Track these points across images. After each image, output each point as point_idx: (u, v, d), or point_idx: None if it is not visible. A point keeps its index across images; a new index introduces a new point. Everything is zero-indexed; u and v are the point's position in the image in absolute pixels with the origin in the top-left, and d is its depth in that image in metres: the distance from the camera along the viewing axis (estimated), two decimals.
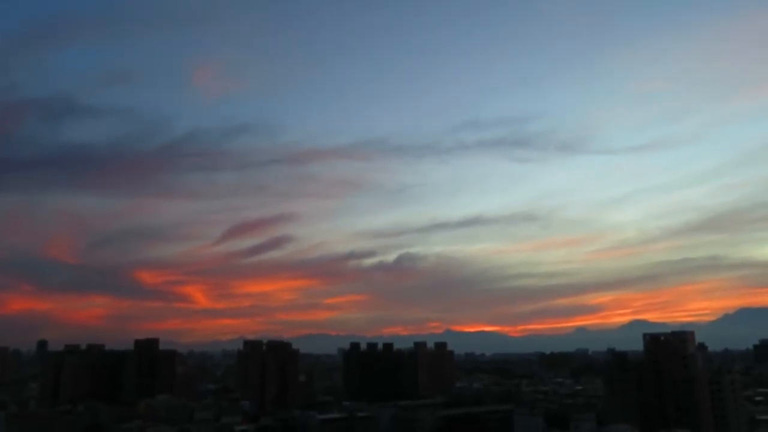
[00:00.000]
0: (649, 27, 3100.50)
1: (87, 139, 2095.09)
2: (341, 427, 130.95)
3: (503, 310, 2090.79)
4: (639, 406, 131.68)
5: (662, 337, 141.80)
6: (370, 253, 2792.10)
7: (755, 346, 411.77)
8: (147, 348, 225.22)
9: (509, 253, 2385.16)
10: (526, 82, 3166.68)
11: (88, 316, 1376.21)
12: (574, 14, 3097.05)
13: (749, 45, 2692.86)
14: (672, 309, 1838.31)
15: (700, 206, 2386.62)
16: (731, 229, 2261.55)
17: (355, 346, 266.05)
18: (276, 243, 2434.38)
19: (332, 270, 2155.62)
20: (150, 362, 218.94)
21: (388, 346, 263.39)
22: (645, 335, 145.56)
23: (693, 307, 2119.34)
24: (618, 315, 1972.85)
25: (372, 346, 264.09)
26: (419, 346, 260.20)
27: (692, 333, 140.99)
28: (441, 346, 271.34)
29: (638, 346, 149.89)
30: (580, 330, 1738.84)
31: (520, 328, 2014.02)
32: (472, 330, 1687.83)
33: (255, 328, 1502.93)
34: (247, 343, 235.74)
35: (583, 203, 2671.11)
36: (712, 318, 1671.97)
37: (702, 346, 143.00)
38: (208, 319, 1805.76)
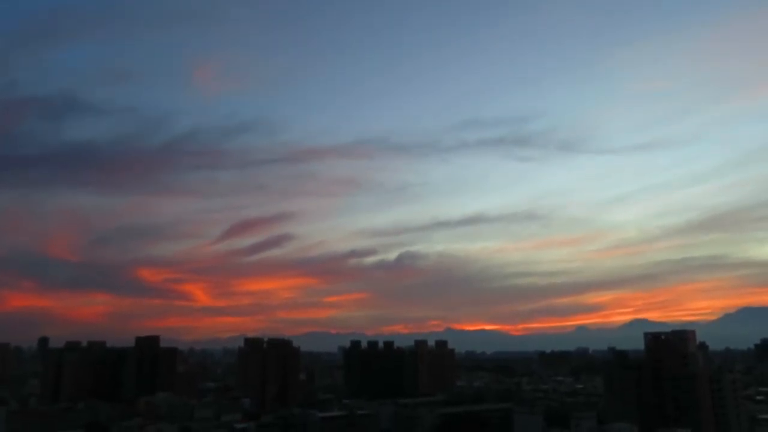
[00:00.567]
0: (650, 26, 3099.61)
1: (88, 137, 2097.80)
2: (342, 425, 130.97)
3: (504, 309, 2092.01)
4: (639, 404, 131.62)
5: (663, 336, 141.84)
6: (371, 252, 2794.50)
7: (756, 346, 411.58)
8: (148, 346, 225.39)
9: (510, 252, 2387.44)
10: (527, 81, 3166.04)
11: (89, 313, 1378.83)
12: (576, 13, 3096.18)
13: (750, 45, 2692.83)
14: (672, 308, 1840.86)
15: (701, 205, 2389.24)
16: (732, 228, 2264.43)
17: (355, 344, 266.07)
18: (276, 241, 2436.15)
19: (333, 268, 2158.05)
20: (151, 360, 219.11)
21: (388, 345, 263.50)
22: (646, 334, 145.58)
23: (694, 307, 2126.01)
24: (618, 314, 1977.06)
25: (373, 344, 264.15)
26: (420, 344, 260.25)
27: (693, 332, 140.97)
28: (441, 344, 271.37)
29: (639, 345, 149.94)
30: (581, 329, 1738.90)
31: (520, 326, 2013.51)
32: (472, 328, 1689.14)
33: (255, 326, 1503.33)
34: (248, 341, 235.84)
35: (584, 202, 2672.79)
36: (713, 317, 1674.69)
37: (703, 346, 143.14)
38: (208, 317, 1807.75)
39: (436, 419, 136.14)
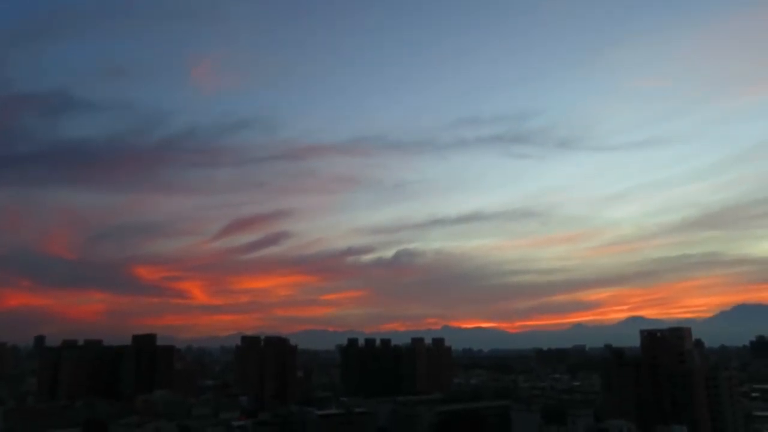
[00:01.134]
0: (649, 24, 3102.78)
1: (84, 135, 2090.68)
2: (339, 422, 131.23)
3: (501, 306, 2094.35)
4: (636, 401, 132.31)
5: (659, 334, 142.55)
6: (369, 249, 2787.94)
7: (752, 343, 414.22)
8: (145, 343, 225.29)
9: (507, 250, 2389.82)
10: (525, 79, 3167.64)
11: (86, 311, 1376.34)
12: (574, 11, 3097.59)
13: (748, 43, 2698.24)
14: (669, 305, 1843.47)
15: (698, 203, 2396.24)
16: (728, 225, 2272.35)
17: (353, 342, 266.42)
18: (274, 239, 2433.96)
19: (330, 266, 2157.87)
20: (148, 358, 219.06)
21: (386, 342, 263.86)
22: (642, 331, 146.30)
23: (690, 304, 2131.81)
24: (615, 311, 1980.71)
25: (370, 342, 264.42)
26: (417, 342, 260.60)
27: (689, 329, 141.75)
28: (439, 342, 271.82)
29: (635, 342, 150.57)
30: (578, 326, 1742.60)
31: (517, 324, 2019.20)
32: (469, 326, 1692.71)
33: (253, 323, 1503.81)
34: (245, 339, 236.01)
35: (582, 200, 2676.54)
36: (709, 314, 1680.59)
37: (699, 343, 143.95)
38: (206, 314, 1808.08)
39: (434, 417, 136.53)
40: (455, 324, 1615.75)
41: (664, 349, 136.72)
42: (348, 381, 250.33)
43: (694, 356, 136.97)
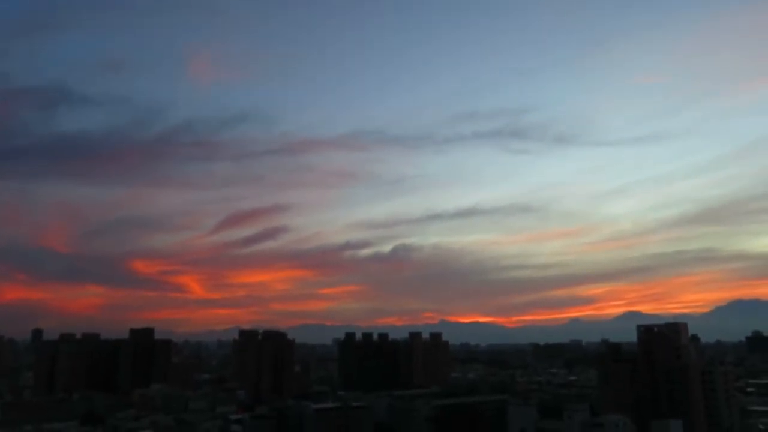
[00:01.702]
0: (649, 19, 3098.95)
1: (82, 128, 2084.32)
2: (336, 416, 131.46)
3: (498, 301, 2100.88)
4: (632, 396, 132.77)
5: (655, 329, 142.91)
6: (366, 244, 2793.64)
7: (747, 338, 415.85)
8: (142, 337, 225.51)
9: (505, 245, 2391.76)
10: (523, 74, 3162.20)
11: (83, 305, 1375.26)
12: (574, 6, 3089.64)
13: (748, 38, 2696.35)
14: (665, 301, 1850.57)
15: (696, 198, 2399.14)
16: (726, 221, 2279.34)
17: (350, 336, 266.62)
18: (272, 233, 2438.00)
19: (328, 260, 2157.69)
20: (145, 352, 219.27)
21: (383, 337, 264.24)
22: (638, 326, 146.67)
23: (686, 299, 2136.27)
24: (612, 306, 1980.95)
25: (367, 336, 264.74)
26: (414, 336, 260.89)
27: (685, 325, 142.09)
28: (436, 336, 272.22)
29: (632, 337, 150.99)
30: (574, 321, 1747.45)
31: (514, 318, 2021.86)
32: (467, 321, 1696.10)
33: (250, 318, 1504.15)
34: (243, 333, 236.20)
35: (580, 195, 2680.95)
36: (705, 310, 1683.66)
37: (695, 338, 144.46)
38: (203, 308, 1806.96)
39: (431, 411, 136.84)
40: (452, 318, 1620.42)
41: (661, 345, 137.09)
42: (345, 375, 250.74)
43: (690, 351, 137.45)
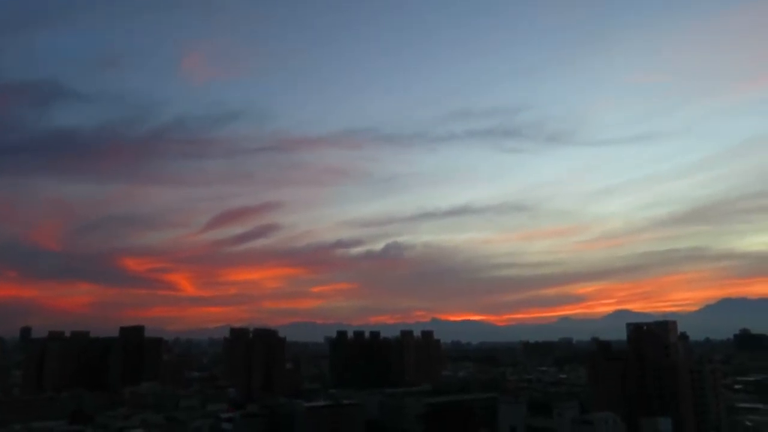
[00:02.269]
0: (642, 20, 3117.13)
1: (74, 124, 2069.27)
2: (328, 414, 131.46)
3: (489, 300, 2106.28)
4: (622, 394, 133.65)
5: (645, 327, 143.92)
6: (358, 242, 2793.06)
7: (735, 336, 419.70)
8: (132, 335, 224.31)
9: (497, 243, 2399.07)
10: (517, 73, 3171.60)
11: (73, 303, 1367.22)
12: (568, 4, 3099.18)
13: (741, 40, 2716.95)
14: (655, 299, 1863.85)
15: (686, 198, 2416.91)
16: (715, 220, 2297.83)
17: (341, 334, 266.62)
18: (263, 231, 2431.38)
19: (319, 258, 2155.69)
20: (135, 350, 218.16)
21: (374, 335, 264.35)
22: (628, 325, 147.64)
23: (676, 298, 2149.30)
24: (602, 305, 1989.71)
25: (359, 334, 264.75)
26: (406, 334, 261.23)
27: (674, 323, 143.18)
28: (427, 334, 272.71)
29: (622, 335, 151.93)
30: (565, 319, 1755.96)
31: (505, 317, 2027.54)
32: (458, 319, 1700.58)
33: (241, 316, 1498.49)
34: (234, 331, 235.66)
35: (572, 194, 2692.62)
36: (695, 308, 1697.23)
37: (684, 336, 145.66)
38: (194, 306, 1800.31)
39: (422, 408, 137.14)
40: (444, 317, 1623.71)
41: (650, 343, 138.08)
42: (337, 373, 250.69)
43: (679, 349, 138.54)
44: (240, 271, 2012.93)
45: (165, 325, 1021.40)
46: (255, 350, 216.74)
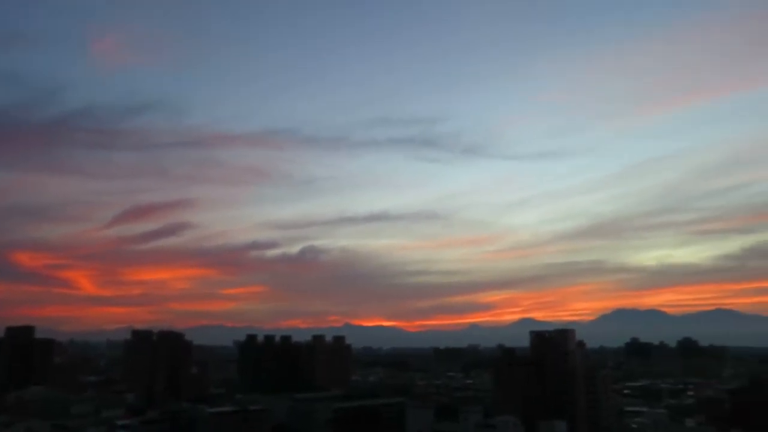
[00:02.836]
0: (556, 41, 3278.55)
1: None
2: (233, 420, 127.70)
3: (402, 306, 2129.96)
4: (524, 398, 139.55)
5: (546, 335, 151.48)
6: (274, 244, 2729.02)
7: (626, 344, 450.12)
8: (21, 336, 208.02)
9: (412, 250, 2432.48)
10: (437, 84, 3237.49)
11: None
12: (488, 23, 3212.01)
13: (642, 68, 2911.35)
14: (557, 308, 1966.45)
15: (588, 213, 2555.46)
16: (613, 235, 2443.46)
17: (251, 337, 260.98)
18: (174, 229, 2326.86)
19: (232, 260, 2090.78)
20: (23, 351, 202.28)
21: (286, 339, 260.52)
22: (531, 332, 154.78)
23: (576, 307, 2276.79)
24: (509, 313, 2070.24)
25: (269, 338, 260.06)
26: (317, 339, 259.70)
27: (573, 331, 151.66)
28: (339, 339, 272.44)
29: (526, 342, 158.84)
30: (473, 326, 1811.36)
31: (417, 323, 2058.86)
32: (371, 324, 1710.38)
33: (146, 317, 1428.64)
34: (136, 333, 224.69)
35: (484, 205, 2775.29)
36: (592, 317, 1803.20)
37: (581, 344, 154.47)
38: (93, 306, 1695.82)
39: (331, 414, 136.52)
40: (357, 322, 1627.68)
41: (551, 350, 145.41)
42: (245, 378, 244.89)
43: (577, 356, 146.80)
44: (146, 270, 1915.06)
45: (59, 326, 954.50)
46: (158, 353, 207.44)
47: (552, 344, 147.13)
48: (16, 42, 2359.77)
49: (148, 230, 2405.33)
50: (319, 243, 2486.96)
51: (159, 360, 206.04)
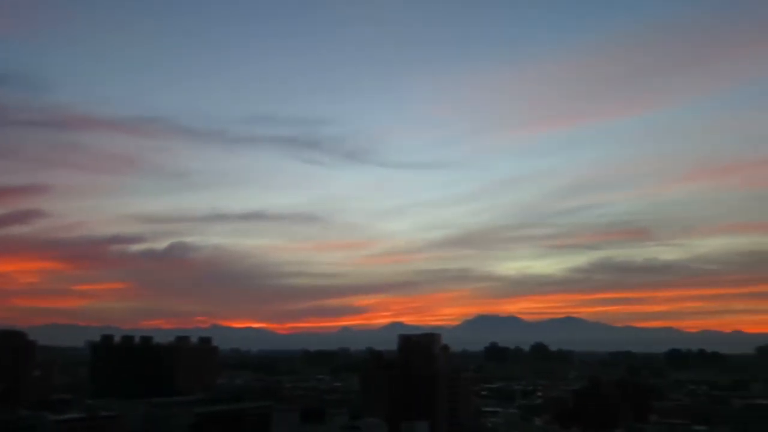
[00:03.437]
0: (443, 58, 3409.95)
1: None
2: (80, 427, 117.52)
3: (274, 308, 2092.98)
4: (390, 400, 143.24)
5: (413, 338, 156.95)
6: (139, 239, 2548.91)
7: (486, 348, 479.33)
8: None
9: (288, 251, 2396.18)
10: (325, 87, 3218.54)
11: None
12: (381, 33, 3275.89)
13: (519, 90, 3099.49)
14: (426, 313, 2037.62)
15: (458, 223, 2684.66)
16: (480, 246, 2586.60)
17: (107, 338, 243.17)
18: (22, 217, 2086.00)
19: (90, 253, 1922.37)
20: None
21: (146, 340, 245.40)
22: (400, 336, 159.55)
23: (442, 313, 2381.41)
24: (380, 317, 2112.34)
25: (128, 338, 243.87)
26: (181, 340, 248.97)
27: (439, 335, 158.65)
28: (206, 340, 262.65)
29: (395, 346, 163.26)
30: (345, 329, 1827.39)
31: (288, 325, 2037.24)
32: (240, 326, 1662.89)
33: None
34: None
35: (362, 210, 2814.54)
36: (456, 323, 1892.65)
37: (445, 348, 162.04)
38: None
39: (192, 418, 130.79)
40: (226, 323, 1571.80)
41: (417, 353, 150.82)
42: (99, 381, 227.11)
43: (441, 360, 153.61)
44: None
45: None
46: None
47: (418, 348, 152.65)
48: None
49: None
50: (189, 240, 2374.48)
51: None
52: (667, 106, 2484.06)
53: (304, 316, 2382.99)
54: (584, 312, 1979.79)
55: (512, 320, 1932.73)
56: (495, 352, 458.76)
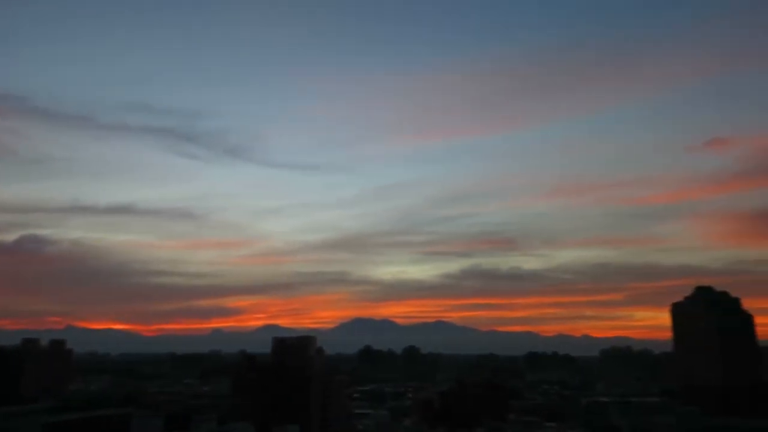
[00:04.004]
0: (334, 60, 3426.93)
1: None
2: None
3: (140, 308, 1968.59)
4: (262, 404, 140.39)
5: (288, 341, 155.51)
6: None
7: (360, 351, 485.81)
8: None
9: (158, 249, 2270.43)
10: (207, 79, 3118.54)
11: None
12: (270, 29, 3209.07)
13: (410, 99, 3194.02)
14: (302, 316, 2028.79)
15: (337, 227, 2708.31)
16: (358, 250, 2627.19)
17: None
18: None
19: None
20: None
21: None
22: (274, 338, 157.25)
23: (319, 315, 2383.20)
24: (255, 319, 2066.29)
25: None
26: (29, 342, 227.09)
27: (314, 338, 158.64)
28: (59, 343, 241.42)
29: (270, 348, 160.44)
30: (217, 332, 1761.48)
31: (154, 327, 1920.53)
32: (99, 327, 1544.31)
33: None
34: None
35: (240, 209, 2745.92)
36: (332, 326, 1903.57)
37: (321, 350, 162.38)
38: None
39: (38, 429, 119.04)
40: (82, 324, 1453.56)
41: (292, 355, 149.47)
42: None
43: (316, 362, 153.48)
44: None
45: None
46: None
47: (293, 350, 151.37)
48: None
49: None
50: (44, 232, 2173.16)
51: None
52: (536, 126, 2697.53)
53: (173, 317, 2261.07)
54: (454, 316, 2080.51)
55: (387, 323, 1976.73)
56: (369, 354, 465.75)
